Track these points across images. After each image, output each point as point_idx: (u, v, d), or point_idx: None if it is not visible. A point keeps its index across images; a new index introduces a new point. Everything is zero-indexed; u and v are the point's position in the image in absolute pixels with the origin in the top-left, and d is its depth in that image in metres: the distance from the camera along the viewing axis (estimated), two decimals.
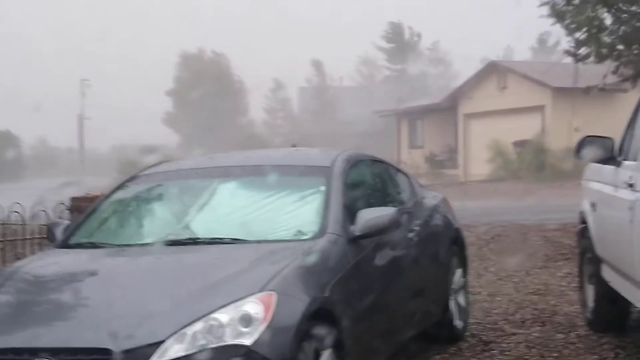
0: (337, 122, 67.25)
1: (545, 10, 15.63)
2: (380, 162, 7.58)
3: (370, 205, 6.33)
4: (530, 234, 14.55)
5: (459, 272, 7.97)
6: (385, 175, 7.44)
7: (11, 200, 9.38)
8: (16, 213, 9.04)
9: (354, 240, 5.83)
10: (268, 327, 4.67)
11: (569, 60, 18.87)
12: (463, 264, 8.20)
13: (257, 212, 6.03)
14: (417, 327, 7.05)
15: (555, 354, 7.11)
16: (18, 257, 8.68)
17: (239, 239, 5.70)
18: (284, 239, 5.68)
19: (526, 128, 35.64)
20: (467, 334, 7.87)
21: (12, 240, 9.44)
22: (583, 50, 15.88)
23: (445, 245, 7.73)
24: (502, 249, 13.18)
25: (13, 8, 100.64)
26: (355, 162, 6.78)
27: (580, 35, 15.42)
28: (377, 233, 5.94)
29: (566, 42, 16.61)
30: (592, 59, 15.74)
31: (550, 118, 35.93)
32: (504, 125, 36.86)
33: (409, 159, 42.84)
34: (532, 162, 33.97)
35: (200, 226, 5.98)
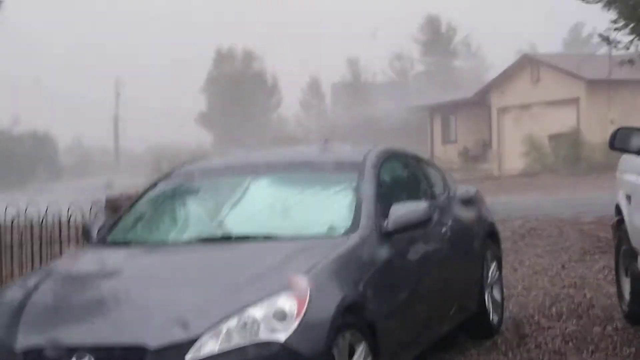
0: (370, 118, 67.17)
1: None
2: (413, 156, 7.58)
3: (402, 200, 6.32)
4: (565, 227, 14.46)
5: (493, 266, 7.94)
6: (417, 170, 7.43)
7: (48, 200, 9.48)
8: (53, 213, 9.13)
9: (387, 235, 5.84)
10: (302, 322, 4.69)
11: (603, 51, 18.68)
12: (497, 257, 8.17)
13: (290, 209, 6.05)
14: (452, 321, 7.04)
15: (591, 347, 7.06)
16: (55, 257, 8.77)
17: (272, 236, 5.72)
18: (317, 234, 5.69)
19: (560, 121, 35.36)
20: (502, 328, 7.84)
21: (49, 239, 9.55)
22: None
23: (479, 239, 7.71)
24: (538, 242, 13.11)
25: (48, 10, 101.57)
26: (387, 157, 6.78)
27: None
28: (409, 228, 5.94)
29: (603, 29, 16.34)
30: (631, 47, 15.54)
31: (585, 111, 35.63)
32: (538, 119, 36.60)
33: (443, 154, 42.69)
34: (567, 156, 33.71)
35: (234, 223, 6.01)
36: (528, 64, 39.63)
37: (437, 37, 72.99)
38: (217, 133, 72.32)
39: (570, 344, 7.21)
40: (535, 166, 35.38)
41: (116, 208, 8.27)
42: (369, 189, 6.06)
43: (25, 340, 4.81)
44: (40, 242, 9.46)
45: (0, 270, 9.67)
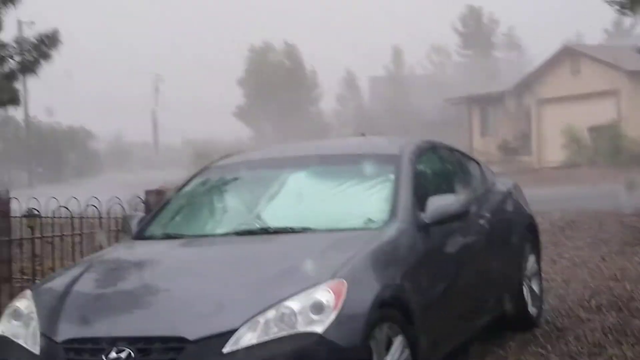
0: (408, 111, 66.98)
1: None
2: (450, 149, 7.56)
3: (440, 192, 6.30)
4: (605, 219, 14.35)
5: (532, 259, 7.91)
6: (455, 163, 7.42)
7: (89, 194, 9.59)
8: (93, 207, 9.23)
9: (424, 228, 5.83)
10: (339, 314, 4.69)
11: None
12: (536, 250, 8.14)
13: (327, 201, 6.07)
14: (490, 313, 7.02)
15: (631, 340, 7.00)
16: (95, 250, 8.86)
17: (309, 228, 5.73)
18: (354, 227, 5.69)
19: (601, 113, 35.03)
20: (541, 320, 7.81)
21: (89, 232, 9.65)
22: None
23: (518, 231, 7.68)
24: (577, 235, 13.02)
25: (88, 7, 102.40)
26: (424, 150, 6.78)
27: None
28: (447, 220, 5.93)
29: None
30: None
31: (626, 102, 35.27)
32: (578, 111, 36.30)
33: (481, 146, 42.47)
34: (607, 148, 33.37)
35: (271, 216, 6.03)
36: (568, 55, 39.30)
37: (478, 29, 72.54)
38: (255, 127, 72.55)
39: (610, 336, 7.16)
40: (575, 158, 35.08)
41: (155, 201, 8.33)
42: (406, 182, 6.05)
43: (66, 331, 4.87)
44: (80, 235, 9.57)
45: (42, 263, 9.80)
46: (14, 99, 17.26)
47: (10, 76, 16.87)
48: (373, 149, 6.89)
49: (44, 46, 16.71)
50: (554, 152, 37.16)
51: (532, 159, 39.51)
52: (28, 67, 16.81)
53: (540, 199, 16.58)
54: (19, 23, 33.58)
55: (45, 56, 16.77)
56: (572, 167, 33.16)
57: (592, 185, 24.15)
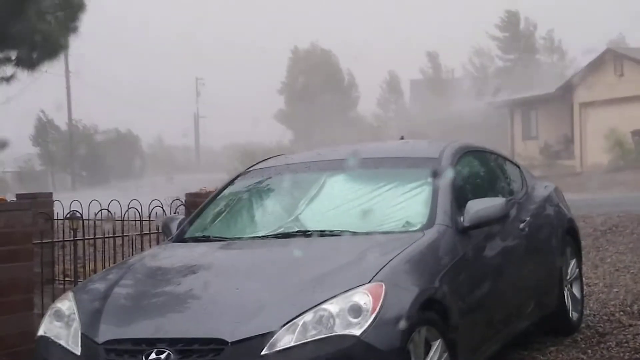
0: (449, 114, 66.72)
1: None
2: (490, 152, 7.53)
3: (479, 196, 6.28)
4: None
5: (573, 263, 7.85)
6: (494, 166, 7.39)
7: (131, 197, 9.68)
8: (134, 209, 9.31)
9: (463, 231, 5.82)
10: (377, 317, 4.69)
11: None
12: (577, 254, 8.08)
13: (366, 205, 6.06)
14: (530, 318, 6.98)
15: None
16: (136, 252, 8.95)
17: (348, 231, 5.75)
18: (393, 230, 5.70)
19: None
20: (582, 325, 7.75)
21: (130, 235, 9.75)
22: None
23: (558, 235, 7.62)
24: (620, 239, 12.88)
25: (130, 12, 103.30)
26: (463, 153, 6.75)
27: None
28: (486, 224, 5.91)
29: None
30: None
31: None
32: (622, 114, 35.89)
33: (523, 150, 42.16)
34: None
35: (310, 219, 6.05)
36: (611, 58, 38.88)
37: (516, 33, 72.06)
38: (297, 130, 72.68)
39: None
40: (619, 162, 34.69)
41: (196, 204, 8.38)
42: (444, 185, 6.04)
43: (106, 332, 4.92)
44: (122, 238, 9.67)
45: (84, 265, 9.91)
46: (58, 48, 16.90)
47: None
48: (412, 152, 6.88)
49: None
50: (597, 156, 36.77)
51: (575, 163, 39.14)
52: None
53: (583, 204, 16.45)
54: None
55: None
56: (615, 171, 32.79)
57: (636, 190, 23.87)
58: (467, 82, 71.83)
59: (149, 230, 9.63)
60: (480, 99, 55.62)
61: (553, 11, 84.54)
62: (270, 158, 7.30)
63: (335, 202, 6.19)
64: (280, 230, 5.95)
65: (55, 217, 10.47)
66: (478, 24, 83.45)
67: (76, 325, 5.08)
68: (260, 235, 6.05)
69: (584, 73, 40.34)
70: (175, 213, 8.93)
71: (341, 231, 5.75)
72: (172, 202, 9.34)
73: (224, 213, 6.53)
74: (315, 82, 69.77)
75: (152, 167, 75.23)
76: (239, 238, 6.11)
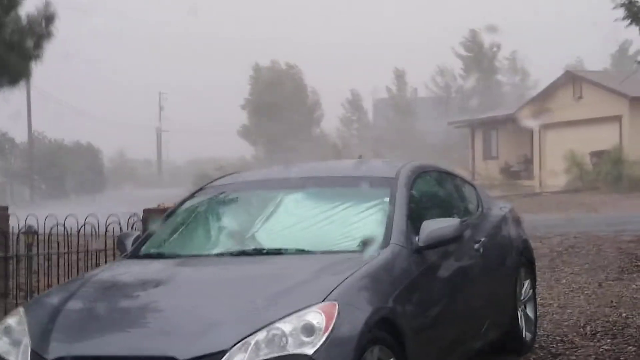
0: (411, 133, 67.11)
1: (621, 13, 15.31)
2: (447, 173, 7.58)
3: (435, 216, 6.31)
4: (604, 245, 14.32)
5: (527, 283, 7.91)
6: (451, 186, 7.44)
7: (89, 211, 9.63)
8: (90, 225, 9.26)
9: (418, 251, 5.85)
10: (330, 336, 4.69)
11: None
12: (532, 274, 8.14)
13: (322, 223, 6.08)
14: (484, 338, 7.01)
15: None
16: (91, 268, 8.88)
17: (303, 250, 5.76)
18: (348, 249, 5.71)
19: (603, 138, 35.04)
20: (535, 345, 7.80)
21: (85, 250, 9.68)
22: None
23: (513, 255, 7.68)
24: (575, 260, 13.01)
25: (94, 24, 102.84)
26: (420, 173, 6.79)
27: None
28: (441, 244, 5.94)
29: None
30: None
31: (628, 128, 35.27)
32: (580, 136, 36.32)
33: (484, 169, 42.50)
34: (609, 173, 33.37)
35: (266, 237, 6.06)
36: (571, 80, 39.37)
37: (480, 53, 72.70)
38: (259, 146, 72.64)
39: None
40: (577, 183, 35.08)
41: (153, 220, 8.35)
42: (400, 205, 6.07)
43: (57, 349, 4.88)
44: (77, 252, 9.59)
45: (38, 279, 9.82)
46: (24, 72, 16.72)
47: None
48: (369, 171, 6.92)
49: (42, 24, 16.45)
50: (555, 177, 37.13)
51: (534, 183, 39.51)
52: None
53: (540, 224, 16.62)
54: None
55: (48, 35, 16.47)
56: (573, 192, 33.15)
57: (593, 211, 24.14)
58: (430, 102, 72.28)
59: (105, 246, 9.57)
60: (443, 118, 56.00)
61: (516, 32, 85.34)
62: (227, 175, 7.30)
63: (291, 221, 6.20)
64: (236, 248, 5.95)
65: (10, 230, 10.37)
66: (443, 42, 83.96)
67: (26, 341, 5.03)
68: (216, 252, 6.04)
69: (544, 95, 40.80)
70: (132, 229, 8.88)
71: (296, 250, 5.76)
72: (129, 217, 9.29)
73: (180, 230, 6.52)
74: (278, 99, 69.80)
75: (113, 181, 74.79)
76: (194, 255, 6.10)
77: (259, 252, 5.86)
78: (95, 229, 9.34)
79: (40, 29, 16.27)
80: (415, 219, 6.06)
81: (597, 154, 35.32)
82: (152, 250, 6.27)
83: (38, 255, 9.27)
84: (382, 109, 73.91)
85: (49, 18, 16.34)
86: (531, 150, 41.75)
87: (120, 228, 9.07)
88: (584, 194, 31.41)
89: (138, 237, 6.59)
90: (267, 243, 5.95)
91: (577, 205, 26.38)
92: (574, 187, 34.50)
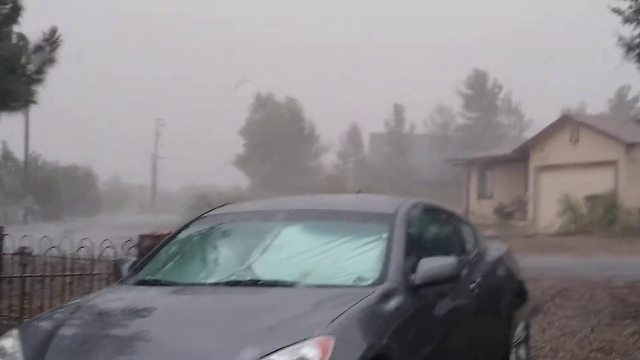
0: (407, 169, 67.23)
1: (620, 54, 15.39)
2: (445, 211, 7.60)
3: (432, 254, 6.32)
4: (597, 290, 14.32)
5: (521, 326, 7.91)
6: (448, 225, 7.45)
7: (83, 234, 9.63)
8: (84, 248, 9.25)
9: (414, 289, 5.85)
10: None
11: None
12: (525, 317, 8.14)
13: (319, 257, 6.08)
14: None
15: None
16: (85, 292, 8.86)
17: (299, 283, 5.75)
18: (344, 284, 5.71)
19: (598, 183, 35.14)
20: None
21: (80, 274, 9.66)
22: None
23: (508, 297, 7.68)
24: (568, 304, 12.99)
25: (91, 49, 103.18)
26: (418, 211, 6.81)
27: None
28: (437, 283, 5.94)
29: None
30: None
31: (623, 173, 35.40)
32: (576, 179, 36.40)
33: (478, 209, 42.52)
34: (603, 218, 33.42)
35: (262, 268, 6.05)
36: (568, 124, 39.51)
37: (482, 92, 73.08)
38: (254, 176, 72.69)
39: None
40: (570, 226, 35.10)
41: (148, 246, 8.35)
42: (398, 242, 6.08)
43: None
44: (71, 277, 9.57)
45: (31, 302, 9.78)
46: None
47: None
48: (368, 206, 6.92)
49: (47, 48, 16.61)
50: (549, 219, 37.17)
51: (528, 225, 39.52)
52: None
53: (533, 266, 16.60)
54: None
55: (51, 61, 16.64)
56: (567, 234, 33.17)
57: (586, 255, 24.14)
58: (427, 138, 72.53)
59: (99, 270, 9.56)
60: (439, 155, 56.15)
61: (517, 74, 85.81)
62: (226, 205, 7.31)
63: (289, 253, 6.19)
64: (232, 278, 5.94)
65: (4, 251, 10.36)
66: (444, 80, 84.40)
67: None
68: (212, 282, 6.03)
69: (541, 137, 40.93)
70: (127, 254, 8.88)
71: (293, 282, 5.75)
72: (125, 242, 9.29)
73: (177, 257, 6.51)
74: (276, 130, 69.96)
75: (107, 205, 74.72)
76: (190, 284, 6.09)
77: (254, 282, 5.85)
78: (91, 253, 9.33)
79: (45, 55, 16.39)
80: (412, 256, 6.06)
81: (591, 198, 35.38)
82: (148, 277, 6.26)
83: (32, 277, 9.24)
84: (379, 144, 74.12)
85: (53, 43, 16.48)
86: (526, 191, 41.82)
87: (115, 252, 9.07)
88: (577, 237, 31.42)
89: (134, 263, 6.59)
90: (264, 274, 5.94)
91: (570, 249, 26.39)
92: (567, 230, 34.52)
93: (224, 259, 6.43)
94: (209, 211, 7.15)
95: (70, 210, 65.15)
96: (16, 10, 16.29)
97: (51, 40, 16.36)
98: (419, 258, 6.02)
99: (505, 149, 45.47)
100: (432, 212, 7.27)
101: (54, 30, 16.48)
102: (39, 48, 16.32)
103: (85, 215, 63.41)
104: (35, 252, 9.98)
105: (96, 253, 9.58)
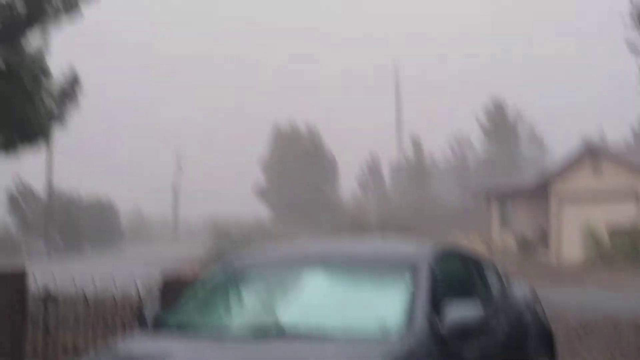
0: (428, 200, 67.05)
1: None
2: (468, 254, 7.57)
3: (458, 300, 6.27)
4: (622, 326, 14.13)
5: None
6: (473, 269, 7.40)
7: (106, 269, 9.64)
8: (109, 290, 9.26)
9: (441, 338, 5.80)
10: None
11: None
12: (552, 358, 8.07)
13: (344, 306, 6.04)
14: None
15: None
16: (107, 335, 8.84)
17: (325, 333, 5.68)
18: (371, 335, 5.65)
19: (621, 214, 34.94)
20: None
21: (103, 316, 9.66)
22: None
23: (534, 340, 7.63)
24: (593, 342, 12.83)
25: (111, 79, 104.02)
26: (443, 257, 6.78)
27: None
28: (464, 329, 5.89)
29: None
30: None
31: None
32: (598, 210, 36.21)
33: (499, 240, 42.31)
34: (626, 250, 33.17)
35: (287, 318, 5.98)
36: (589, 154, 39.35)
37: (502, 123, 72.90)
38: (275, 208, 72.69)
39: None
40: (593, 258, 34.86)
41: (172, 291, 8.34)
42: (424, 289, 6.04)
43: None
44: (94, 319, 9.57)
45: (55, 342, 9.79)
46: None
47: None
48: (393, 252, 6.90)
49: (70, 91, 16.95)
50: (572, 251, 36.97)
51: (550, 256, 39.29)
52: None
53: (557, 300, 16.43)
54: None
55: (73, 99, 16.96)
56: (590, 267, 32.93)
57: (610, 288, 23.93)
58: (448, 170, 72.41)
59: (122, 311, 9.56)
60: (459, 187, 56.00)
61: (536, 102, 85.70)
62: (249, 251, 7.28)
63: (315, 302, 6.15)
64: (256, 328, 5.89)
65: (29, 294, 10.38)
66: (464, 110, 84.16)
67: None
68: (235, 332, 5.97)
69: (562, 168, 40.76)
70: (150, 298, 8.88)
71: (318, 333, 5.69)
72: (148, 288, 9.29)
73: (201, 306, 6.49)
74: (297, 162, 70.07)
75: (129, 237, 74.92)
76: (213, 334, 6.04)
77: (280, 332, 5.80)
78: (113, 295, 9.33)
79: (69, 95, 16.67)
80: (438, 302, 6.01)
81: (614, 230, 35.15)
82: (172, 326, 6.23)
83: (56, 319, 9.25)
84: (399, 176, 74.07)
85: (74, 84, 16.77)
86: (548, 222, 41.59)
87: (139, 295, 9.07)
88: (600, 270, 31.18)
89: (158, 312, 6.56)
90: (289, 325, 5.87)
91: (593, 282, 26.16)
92: (590, 262, 34.28)
93: (248, 309, 6.40)
94: (233, 259, 7.10)
95: (92, 241, 65.34)
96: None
97: (74, 85, 16.71)
98: (445, 304, 5.98)
99: (526, 179, 45.29)
100: (456, 257, 7.24)
101: (75, 78, 16.83)
102: (64, 94, 16.63)
103: (107, 247, 63.59)
104: (58, 291, 9.99)
105: (119, 290, 9.61)
